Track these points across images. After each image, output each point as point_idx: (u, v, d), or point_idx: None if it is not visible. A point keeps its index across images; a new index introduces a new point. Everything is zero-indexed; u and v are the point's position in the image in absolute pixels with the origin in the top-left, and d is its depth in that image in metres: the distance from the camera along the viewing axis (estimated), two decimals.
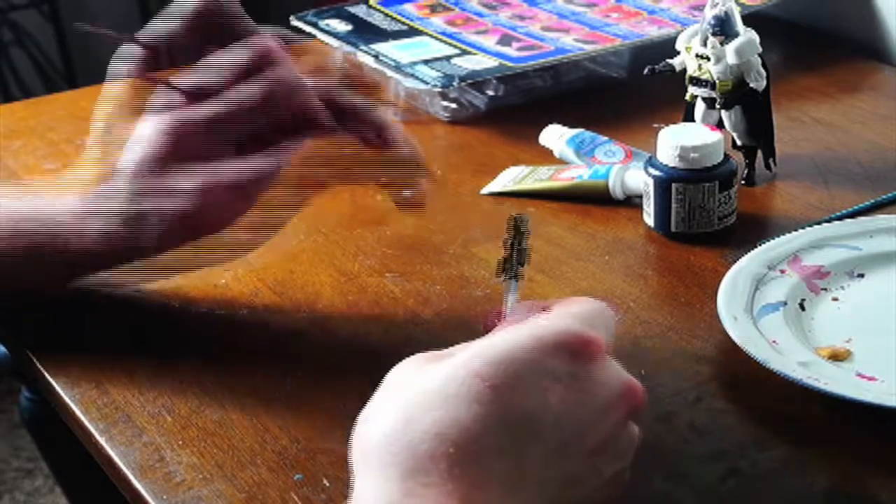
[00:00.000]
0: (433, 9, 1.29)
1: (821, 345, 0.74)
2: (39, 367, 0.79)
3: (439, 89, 1.09)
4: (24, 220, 0.77)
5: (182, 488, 0.66)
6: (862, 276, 0.81)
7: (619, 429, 0.56)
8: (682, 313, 0.80)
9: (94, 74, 0.94)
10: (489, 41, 1.19)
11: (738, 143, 0.97)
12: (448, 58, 1.15)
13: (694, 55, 0.93)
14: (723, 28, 0.92)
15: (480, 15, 1.27)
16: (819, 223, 0.87)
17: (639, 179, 0.92)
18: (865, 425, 0.68)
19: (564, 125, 1.04)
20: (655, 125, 0.94)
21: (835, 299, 0.79)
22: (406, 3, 1.30)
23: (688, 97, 0.96)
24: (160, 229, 0.72)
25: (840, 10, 1.27)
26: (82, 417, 0.73)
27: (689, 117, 0.97)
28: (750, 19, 0.96)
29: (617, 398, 0.56)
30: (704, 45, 0.93)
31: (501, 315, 0.62)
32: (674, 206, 0.87)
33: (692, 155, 0.86)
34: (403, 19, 1.26)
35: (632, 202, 0.94)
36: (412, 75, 1.11)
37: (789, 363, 0.70)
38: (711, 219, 0.87)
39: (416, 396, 0.53)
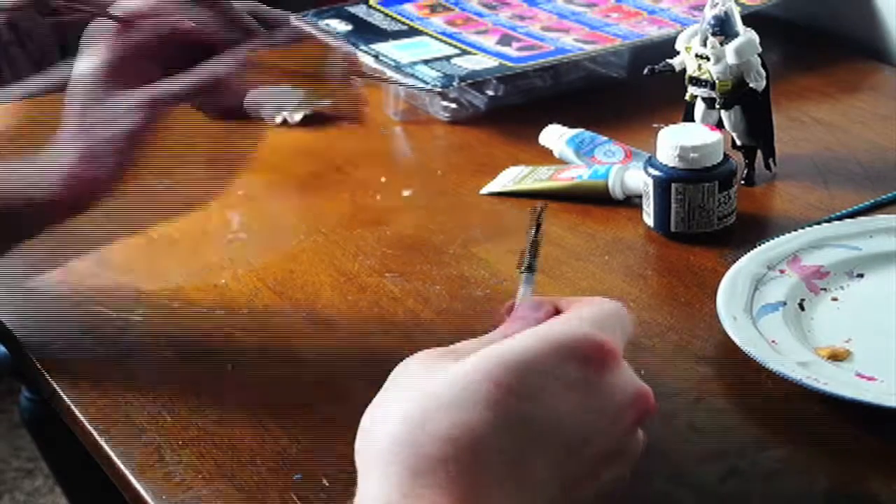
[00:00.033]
0: (433, 9, 1.29)
1: (820, 345, 0.74)
2: (39, 367, 0.79)
3: (439, 89, 1.09)
4: None
5: (182, 488, 0.66)
6: (861, 276, 0.81)
7: (628, 435, 0.56)
8: (681, 313, 0.80)
9: None
10: (489, 41, 1.19)
11: (738, 143, 0.97)
12: (448, 58, 1.15)
13: (694, 55, 0.93)
14: (723, 28, 0.92)
15: (480, 15, 1.27)
16: (819, 223, 0.87)
17: (638, 179, 0.92)
18: (865, 425, 0.68)
19: (564, 125, 1.04)
20: (655, 125, 0.94)
21: (834, 299, 0.79)
22: (406, 3, 1.30)
23: (688, 97, 0.96)
24: (116, 155, 0.71)
25: (840, 10, 1.27)
26: (82, 417, 0.73)
27: (689, 117, 0.97)
28: (750, 19, 0.96)
29: (628, 406, 0.55)
30: (704, 45, 0.93)
31: (512, 309, 0.61)
32: (673, 206, 0.87)
33: (692, 155, 0.86)
34: (403, 19, 1.26)
35: (631, 202, 0.94)
36: (412, 75, 1.11)
37: (789, 363, 0.70)
38: (711, 219, 0.87)
39: (425, 398, 0.52)
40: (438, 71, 1.11)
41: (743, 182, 0.96)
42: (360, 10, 1.28)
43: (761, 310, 0.77)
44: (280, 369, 0.76)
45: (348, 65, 0.76)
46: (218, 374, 0.76)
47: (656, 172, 0.88)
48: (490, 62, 1.14)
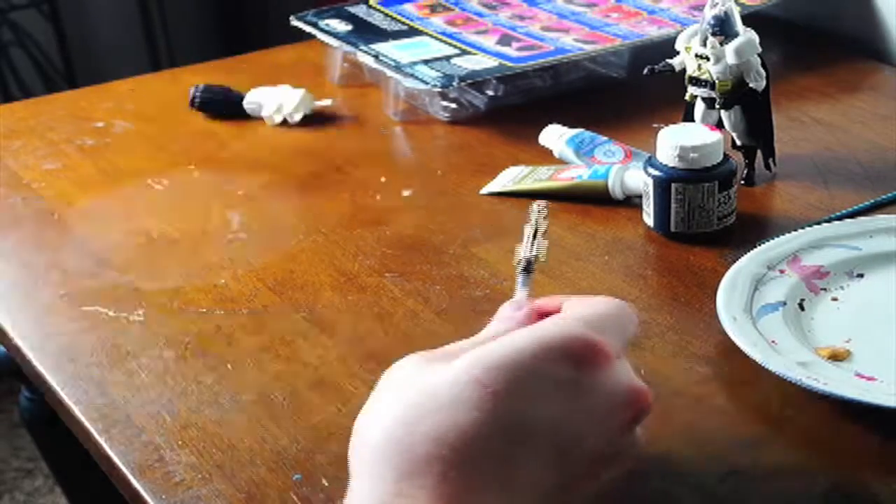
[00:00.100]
0: (433, 9, 1.29)
1: (820, 345, 0.74)
2: (39, 367, 0.79)
3: (439, 89, 1.09)
4: None
5: (181, 488, 0.67)
6: (861, 276, 0.81)
7: (622, 435, 0.56)
8: (681, 313, 0.80)
9: (94, 74, 0.94)
10: (489, 41, 1.19)
11: (738, 143, 0.97)
12: (448, 58, 1.15)
13: (693, 55, 0.93)
14: (722, 28, 0.92)
15: (480, 15, 1.27)
16: (819, 223, 0.87)
17: (638, 179, 0.92)
18: (865, 425, 0.68)
19: (564, 125, 1.04)
20: (655, 125, 0.94)
21: (834, 299, 0.79)
22: (406, 3, 1.30)
23: (687, 97, 0.96)
24: None
25: (840, 10, 1.27)
26: (82, 417, 0.73)
27: (689, 117, 0.97)
28: (750, 19, 0.96)
29: (620, 405, 0.55)
30: (704, 45, 0.93)
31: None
32: (673, 206, 0.87)
33: (692, 155, 0.86)
34: (403, 19, 1.26)
35: (631, 202, 0.94)
36: (412, 75, 1.11)
37: (789, 363, 0.70)
38: (711, 219, 0.87)
39: (416, 398, 0.53)
40: (438, 71, 1.11)
41: (743, 182, 0.96)
42: (360, 10, 1.28)
43: (761, 310, 0.77)
44: (280, 369, 0.76)
45: None
46: (218, 374, 0.76)
47: (656, 172, 0.88)
48: (490, 62, 1.14)
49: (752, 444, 0.67)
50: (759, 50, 0.92)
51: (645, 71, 0.97)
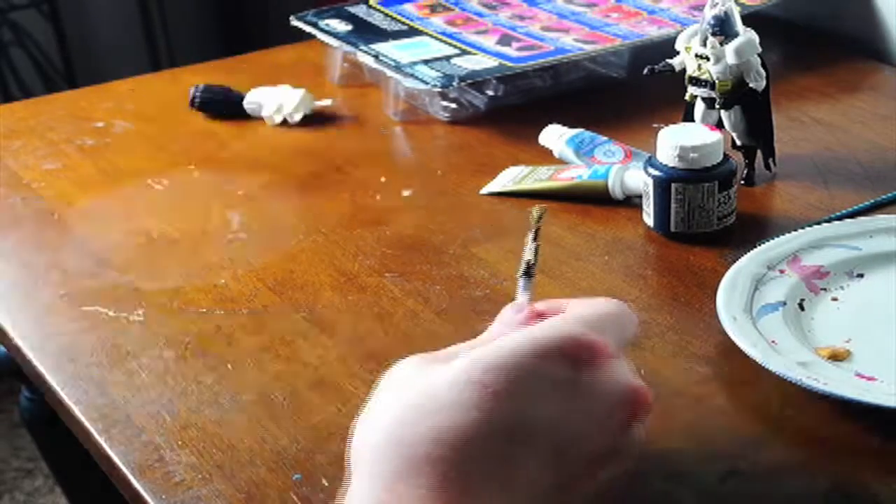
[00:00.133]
0: (433, 9, 1.29)
1: (820, 345, 0.74)
2: (39, 367, 0.79)
3: (439, 89, 1.09)
4: None
5: (181, 488, 0.67)
6: (861, 276, 0.81)
7: (621, 435, 0.56)
8: (681, 313, 0.80)
9: (94, 74, 0.94)
10: (489, 41, 1.19)
11: (738, 143, 0.97)
12: (448, 58, 1.15)
13: (693, 55, 0.93)
14: (722, 28, 0.92)
15: (480, 15, 1.27)
16: (819, 223, 0.87)
17: (638, 179, 0.92)
18: (865, 425, 0.68)
19: (564, 125, 1.04)
20: (655, 125, 0.94)
21: (834, 299, 0.79)
22: (406, 3, 1.30)
23: (687, 97, 0.96)
24: None
25: (840, 10, 1.27)
26: (82, 417, 0.73)
27: (689, 117, 0.97)
28: (750, 19, 0.96)
29: (618, 405, 0.55)
30: (704, 45, 0.93)
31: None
32: (673, 206, 0.87)
33: (692, 155, 0.86)
34: (403, 19, 1.26)
35: (631, 202, 0.94)
36: (412, 75, 1.11)
37: (789, 363, 0.70)
38: (711, 219, 0.87)
39: (416, 399, 0.53)
40: (438, 71, 1.11)
41: (743, 182, 0.96)
42: (360, 10, 1.28)
43: (761, 310, 0.77)
44: (280, 369, 0.76)
45: None
46: (218, 374, 0.76)
47: (656, 172, 0.88)
48: (490, 62, 1.14)
49: (752, 444, 0.67)
50: (759, 50, 0.92)
51: (645, 71, 0.97)
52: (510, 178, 0.99)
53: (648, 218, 0.89)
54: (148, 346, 0.80)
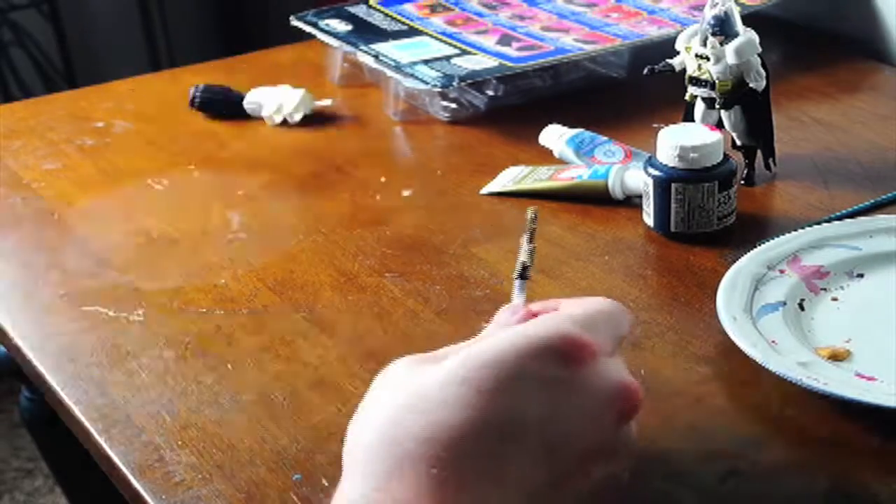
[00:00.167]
0: (433, 9, 1.29)
1: (820, 345, 0.74)
2: (39, 367, 0.79)
3: (439, 89, 1.09)
4: None
5: (181, 488, 0.67)
6: (861, 276, 0.81)
7: (612, 433, 0.56)
8: (681, 313, 0.80)
9: (94, 74, 0.94)
10: (489, 41, 1.19)
11: (738, 143, 0.97)
12: (448, 58, 1.15)
13: (694, 55, 0.93)
14: (722, 28, 0.92)
15: (480, 15, 1.27)
16: (819, 223, 0.87)
17: (638, 179, 0.92)
18: (865, 425, 0.68)
19: (564, 125, 1.04)
20: (655, 125, 0.94)
21: (834, 299, 0.79)
22: (406, 3, 1.30)
23: (687, 97, 0.96)
24: None
25: (840, 10, 1.27)
26: (82, 417, 0.73)
27: (689, 117, 0.97)
28: (750, 19, 0.96)
29: (608, 402, 0.55)
30: (704, 45, 0.93)
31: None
32: (673, 206, 0.87)
33: (692, 155, 0.86)
34: (403, 19, 1.26)
35: (631, 202, 0.94)
36: (412, 75, 1.11)
37: (789, 363, 0.70)
38: (711, 219, 0.87)
39: (407, 399, 0.53)
40: (438, 71, 1.11)
41: (743, 182, 0.96)
42: (360, 10, 1.28)
43: (761, 310, 0.77)
44: (280, 369, 0.76)
45: None
46: (218, 374, 0.76)
47: (656, 172, 0.88)
48: (490, 62, 1.14)
49: (752, 444, 0.67)
50: (759, 50, 0.92)
51: (645, 71, 0.97)
52: (510, 178, 0.99)
53: (648, 218, 0.89)
54: (148, 346, 0.80)
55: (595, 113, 1.09)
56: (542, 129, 1.04)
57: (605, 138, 1.02)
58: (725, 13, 0.91)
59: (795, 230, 0.85)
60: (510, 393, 0.53)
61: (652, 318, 0.79)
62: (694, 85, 0.94)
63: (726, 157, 0.88)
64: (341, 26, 1.23)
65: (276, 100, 1.14)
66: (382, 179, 1.02)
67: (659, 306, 0.81)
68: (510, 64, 1.13)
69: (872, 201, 0.92)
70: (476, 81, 1.11)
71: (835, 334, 0.75)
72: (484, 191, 0.98)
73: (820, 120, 1.08)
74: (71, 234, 0.97)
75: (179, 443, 0.70)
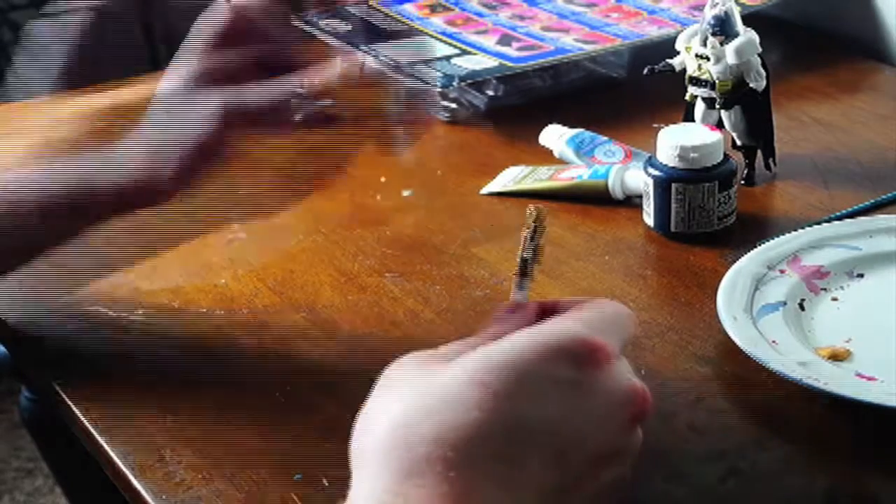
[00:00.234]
0: (433, 9, 1.29)
1: (820, 345, 0.74)
2: (39, 367, 0.79)
3: (439, 89, 1.09)
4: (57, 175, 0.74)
5: (182, 488, 0.66)
6: (862, 276, 0.81)
7: (623, 436, 0.56)
8: (681, 313, 0.80)
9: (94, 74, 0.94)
10: (489, 41, 1.19)
11: (738, 143, 0.97)
12: (448, 58, 1.15)
13: (694, 55, 0.93)
14: (723, 28, 0.92)
15: (480, 15, 1.27)
16: (819, 223, 0.87)
17: (638, 179, 0.92)
18: (865, 425, 0.68)
19: (564, 125, 1.04)
20: (655, 125, 0.94)
21: (834, 299, 0.79)
22: (406, 3, 1.30)
23: (688, 97, 0.96)
24: (179, 159, 0.70)
25: (840, 10, 1.27)
26: (82, 417, 0.73)
27: (689, 117, 0.97)
28: (750, 19, 0.96)
29: (620, 406, 0.55)
30: (704, 45, 0.93)
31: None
32: (673, 206, 0.87)
33: (692, 155, 0.86)
34: (403, 19, 1.26)
35: (632, 202, 0.94)
36: (412, 75, 1.11)
37: (789, 363, 0.70)
38: (711, 219, 0.87)
39: (417, 399, 0.53)
40: (438, 71, 1.11)
41: (743, 182, 0.96)
42: (360, 10, 1.28)
43: (761, 310, 0.77)
44: (280, 369, 0.76)
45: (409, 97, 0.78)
46: (218, 375, 0.76)
47: (656, 172, 0.88)
48: (490, 62, 1.14)
49: (752, 444, 0.67)
50: (759, 50, 0.92)
51: (645, 71, 0.97)
52: (510, 178, 0.99)
53: (648, 218, 0.89)
54: (148, 346, 0.80)
55: (595, 113, 1.09)
56: (542, 129, 1.04)
57: (605, 138, 1.02)
58: (725, 13, 0.91)
59: (795, 230, 0.85)
60: (523, 395, 0.53)
61: (652, 318, 0.79)
62: (694, 85, 0.94)
63: (726, 157, 0.88)
64: (341, 26, 1.23)
65: None
66: (382, 179, 1.02)
67: (659, 306, 0.81)
68: (510, 64, 1.13)
69: (872, 201, 0.92)
70: (476, 81, 1.11)
71: (835, 334, 0.75)
72: (484, 191, 0.98)
73: (820, 120, 1.08)
74: None
75: (179, 443, 0.70)
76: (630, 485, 0.58)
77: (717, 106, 0.94)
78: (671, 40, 0.97)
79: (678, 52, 0.95)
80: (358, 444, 0.54)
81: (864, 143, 1.03)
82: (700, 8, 1.01)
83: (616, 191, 0.94)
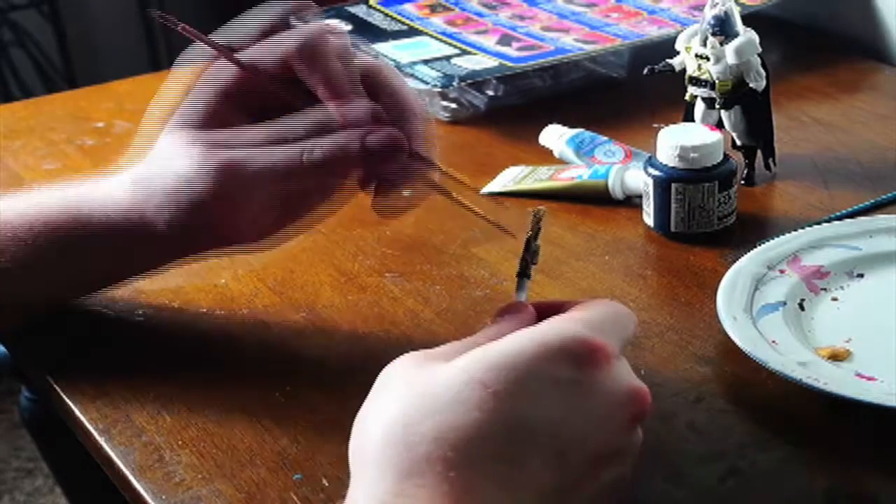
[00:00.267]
0: (433, 9, 1.29)
1: (820, 345, 0.74)
2: (39, 367, 0.79)
3: (439, 89, 1.09)
4: (57, 208, 0.76)
5: (181, 488, 0.66)
6: (861, 276, 0.81)
7: (623, 436, 0.56)
8: (681, 313, 0.80)
9: (94, 74, 0.94)
10: (489, 41, 1.19)
11: (738, 143, 0.97)
12: (448, 58, 1.15)
13: (694, 55, 0.93)
14: (722, 28, 0.92)
15: (480, 15, 1.27)
16: (819, 223, 0.87)
17: (638, 179, 0.92)
18: (865, 425, 0.68)
19: (564, 125, 1.04)
20: (655, 125, 0.94)
21: (834, 299, 0.79)
22: (406, 3, 1.30)
23: (687, 97, 0.96)
24: (169, 210, 0.71)
25: (840, 10, 1.28)
26: (82, 417, 0.73)
27: (689, 117, 0.97)
28: (750, 19, 0.96)
29: (620, 406, 0.55)
30: (704, 45, 0.93)
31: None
32: (673, 206, 0.87)
33: (692, 155, 0.86)
34: (403, 19, 1.26)
35: (631, 202, 0.94)
36: (412, 75, 1.11)
37: (789, 363, 0.70)
38: (711, 219, 0.87)
39: (417, 398, 0.53)
40: (438, 71, 1.11)
41: (743, 182, 0.96)
42: (360, 10, 1.28)
43: (761, 310, 0.77)
44: (280, 369, 0.76)
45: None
46: (218, 374, 0.76)
47: (656, 172, 0.88)
48: (490, 62, 1.14)
49: (752, 444, 0.67)
50: (759, 50, 0.92)
51: (645, 71, 0.97)
52: (510, 178, 0.99)
53: (648, 218, 0.89)
54: (148, 346, 0.80)
55: (595, 113, 1.09)
56: (542, 129, 1.04)
57: (605, 138, 1.02)
58: (725, 13, 0.91)
59: (795, 230, 0.85)
60: (523, 395, 0.53)
61: (652, 318, 0.79)
62: (694, 85, 0.94)
63: (726, 157, 0.88)
64: (341, 26, 1.23)
65: None
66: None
67: (659, 306, 0.81)
68: (510, 64, 1.13)
69: (872, 201, 0.92)
70: (476, 81, 1.11)
71: (835, 334, 0.75)
72: (484, 191, 0.98)
73: (820, 120, 1.08)
74: None
75: (180, 443, 0.70)
76: (630, 485, 0.58)
77: (717, 106, 0.94)
78: (671, 40, 0.97)
79: (678, 52, 0.95)
80: (357, 443, 0.54)
81: (864, 143, 1.03)
82: (700, 8, 1.01)
83: (616, 191, 0.94)
